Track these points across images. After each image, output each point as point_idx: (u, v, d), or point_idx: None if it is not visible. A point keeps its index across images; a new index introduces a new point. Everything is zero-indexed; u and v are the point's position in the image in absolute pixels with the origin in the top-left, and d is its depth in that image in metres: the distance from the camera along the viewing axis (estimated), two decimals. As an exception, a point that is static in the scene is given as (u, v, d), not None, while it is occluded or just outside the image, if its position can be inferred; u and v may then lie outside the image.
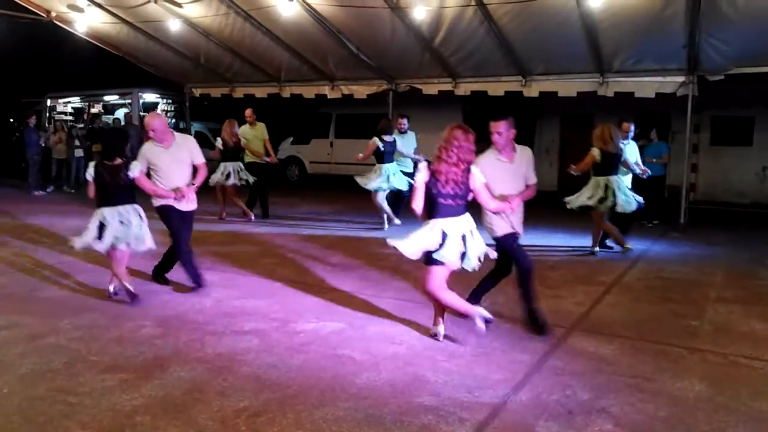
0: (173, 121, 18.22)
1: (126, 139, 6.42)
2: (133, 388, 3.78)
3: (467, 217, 4.57)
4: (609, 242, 8.37)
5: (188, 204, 5.94)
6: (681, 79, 10.14)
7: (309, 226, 10.22)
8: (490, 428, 3.36)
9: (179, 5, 10.94)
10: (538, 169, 18.81)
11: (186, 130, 15.50)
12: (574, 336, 4.90)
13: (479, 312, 4.56)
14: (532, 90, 11.46)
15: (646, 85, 10.52)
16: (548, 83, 11.34)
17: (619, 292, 6.34)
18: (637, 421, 3.45)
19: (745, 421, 3.47)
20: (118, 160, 5.47)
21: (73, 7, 11.88)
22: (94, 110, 19.45)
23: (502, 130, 4.82)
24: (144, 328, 4.91)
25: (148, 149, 5.81)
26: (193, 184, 5.92)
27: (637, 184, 8.74)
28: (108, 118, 18.38)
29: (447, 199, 4.44)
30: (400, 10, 9.92)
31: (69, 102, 20.08)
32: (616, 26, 9.19)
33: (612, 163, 7.82)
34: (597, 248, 8.18)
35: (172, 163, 5.81)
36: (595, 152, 7.73)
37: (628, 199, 7.83)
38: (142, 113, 17.74)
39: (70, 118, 19.71)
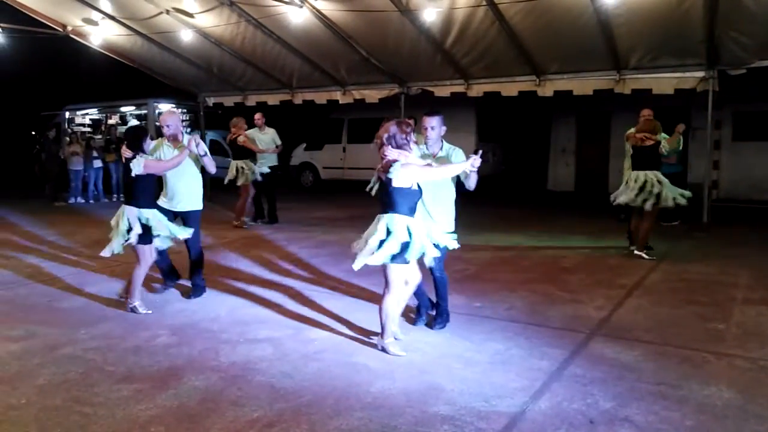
0: (189, 129, 18.31)
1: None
2: (148, 398, 3.77)
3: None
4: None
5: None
6: (701, 74, 9.87)
7: (323, 232, 10.17)
8: (508, 438, 3.26)
9: (191, 15, 10.96)
10: (555, 170, 18.48)
11: (201, 139, 15.52)
12: (595, 342, 4.78)
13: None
14: (547, 89, 11.28)
15: (664, 82, 10.27)
16: (563, 82, 11.13)
17: (641, 295, 6.18)
18: (662, 430, 3.33)
19: (776, 428, 3.34)
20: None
21: (88, 21, 12.01)
22: (111, 121, 19.64)
23: (435, 124, 4.89)
24: (159, 338, 4.90)
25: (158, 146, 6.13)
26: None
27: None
28: (123, 129, 18.54)
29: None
30: (410, 12, 9.81)
31: (87, 114, 20.30)
32: (632, 21, 8.98)
33: (654, 156, 7.77)
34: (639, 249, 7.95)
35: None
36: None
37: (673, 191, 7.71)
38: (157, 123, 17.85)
39: (89, 129, 19.91)
